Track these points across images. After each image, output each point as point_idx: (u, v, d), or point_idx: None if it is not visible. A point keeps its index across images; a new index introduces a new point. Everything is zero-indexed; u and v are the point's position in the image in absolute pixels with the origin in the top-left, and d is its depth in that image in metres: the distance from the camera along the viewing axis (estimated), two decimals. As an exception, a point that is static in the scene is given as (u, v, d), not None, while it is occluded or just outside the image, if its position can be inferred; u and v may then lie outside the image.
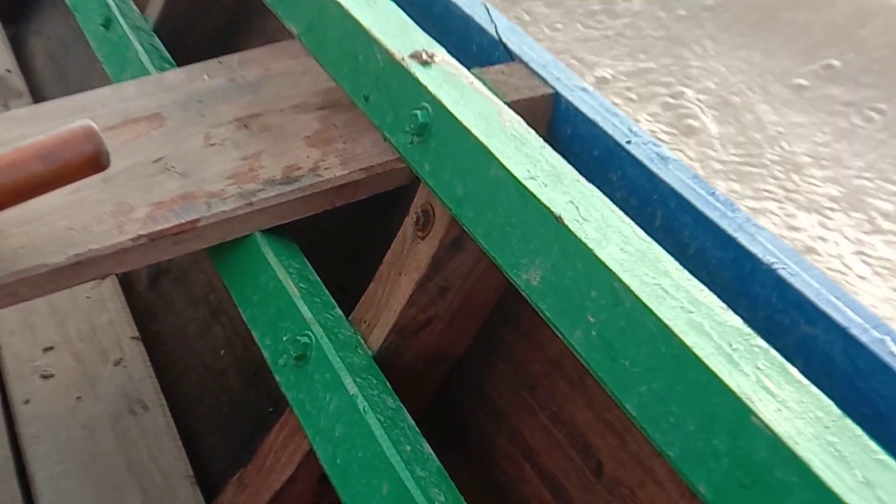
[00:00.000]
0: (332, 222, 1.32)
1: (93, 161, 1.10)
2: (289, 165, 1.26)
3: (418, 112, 1.01)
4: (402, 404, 1.03)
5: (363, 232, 1.39)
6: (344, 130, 1.33)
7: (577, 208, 0.86)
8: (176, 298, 1.62)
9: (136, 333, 1.55)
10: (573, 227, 0.84)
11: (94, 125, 1.10)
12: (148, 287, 1.67)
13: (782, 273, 0.82)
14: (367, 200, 1.29)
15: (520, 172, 0.90)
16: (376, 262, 1.20)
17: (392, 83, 1.06)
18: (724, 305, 0.76)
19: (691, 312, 0.76)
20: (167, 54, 1.58)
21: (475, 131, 0.95)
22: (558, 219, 0.85)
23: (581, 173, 0.98)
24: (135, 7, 1.69)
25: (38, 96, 2.10)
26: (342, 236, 1.41)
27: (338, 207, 1.27)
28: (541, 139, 0.95)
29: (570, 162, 1.00)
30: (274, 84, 1.42)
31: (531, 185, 0.88)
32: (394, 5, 1.16)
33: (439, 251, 1.08)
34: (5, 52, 2.21)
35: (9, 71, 2.12)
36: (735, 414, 0.68)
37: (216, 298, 1.55)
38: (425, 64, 1.05)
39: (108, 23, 1.63)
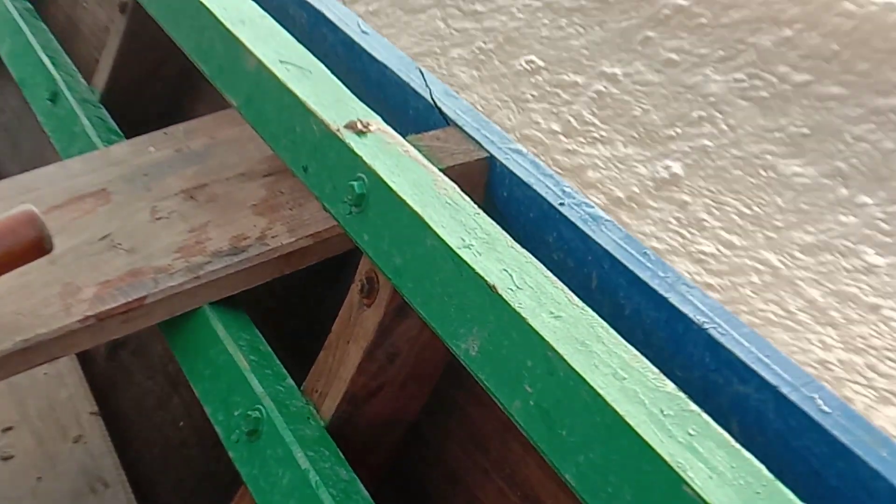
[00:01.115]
0: (282, 287, 1.32)
1: (36, 246, 1.10)
2: (236, 235, 1.27)
3: (355, 183, 1.02)
4: (355, 475, 1.03)
5: (314, 296, 1.39)
6: (290, 197, 1.34)
7: (511, 276, 0.87)
8: (134, 370, 1.61)
9: (95, 408, 1.54)
10: (507, 296, 0.84)
11: (34, 210, 1.10)
12: (106, 359, 1.66)
13: (713, 332, 0.83)
14: (318, 264, 1.30)
15: (454, 241, 0.91)
16: (328, 326, 1.20)
17: (329, 154, 1.07)
18: (655, 371, 0.77)
19: (624, 379, 0.76)
20: (114, 125, 1.59)
21: (410, 201, 0.96)
22: (492, 288, 0.86)
23: (519, 235, 0.99)
24: (82, 79, 1.70)
25: None
26: (293, 302, 1.41)
27: (288, 273, 1.28)
28: (475, 206, 0.96)
29: (507, 224, 1.01)
30: (220, 153, 1.43)
31: (465, 255, 0.89)
32: (330, 75, 1.17)
33: (385, 318, 1.08)
34: None
35: (-40, 146, 2.12)
36: (668, 483, 0.69)
37: (174, 368, 1.54)
38: (361, 133, 1.06)
39: (54, 97, 1.63)
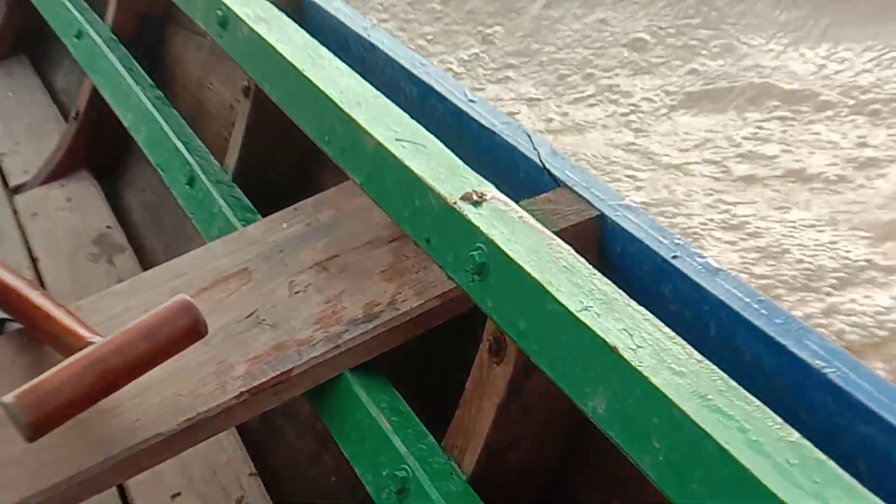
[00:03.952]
0: (416, 347, 1.39)
1: (192, 333, 1.20)
2: (368, 303, 1.35)
3: (475, 253, 1.08)
4: None
5: (447, 353, 1.46)
6: (415, 260, 1.41)
7: (630, 336, 0.92)
8: (286, 430, 1.71)
9: (253, 469, 1.64)
10: (628, 355, 0.89)
11: (189, 298, 1.20)
12: (259, 421, 1.77)
13: (832, 376, 0.86)
14: (447, 322, 1.36)
15: (573, 305, 0.96)
16: (463, 381, 1.27)
17: (448, 226, 1.14)
18: (778, 420, 0.80)
19: (748, 431, 0.80)
20: (248, 203, 1.70)
21: (528, 267, 1.02)
22: (613, 349, 0.90)
23: (635, 288, 1.03)
24: (214, 160, 1.83)
25: (138, 248, 2.25)
26: (427, 360, 1.48)
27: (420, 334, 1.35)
28: (590, 266, 1.01)
29: (623, 278, 1.06)
30: (346, 223, 1.51)
31: (585, 317, 0.94)
32: (443, 147, 1.24)
33: (515, 374, 1.14)
34: (104, 209, 2.38)
35: (109, 227, 2.29)
36: (798, 532, 0.72)
37: (322, 427, 1.63)
38: (477, 204, 1.13)
39: (191, 181, 1.76)
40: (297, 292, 1.39)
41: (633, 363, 0.88)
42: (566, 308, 0.96)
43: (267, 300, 1.38)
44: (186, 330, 1.18)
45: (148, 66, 2.18)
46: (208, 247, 1.53)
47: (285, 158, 1.82)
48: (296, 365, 1.27)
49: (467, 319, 1.36)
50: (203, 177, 1.74)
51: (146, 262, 2.22)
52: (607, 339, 0.91)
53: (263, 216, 1.61)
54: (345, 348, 1.29)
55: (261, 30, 1.58)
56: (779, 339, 0.91)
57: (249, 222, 1.60)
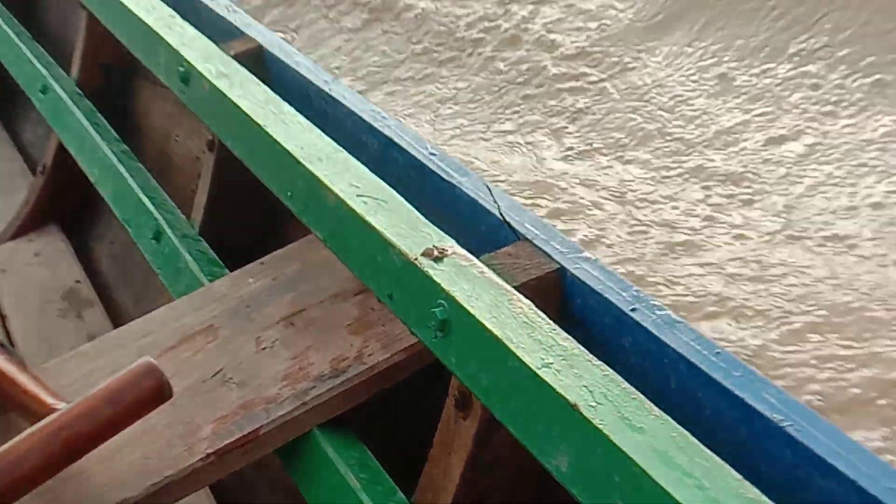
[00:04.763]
0: (384, 400, 1.39)
1: (157, 396, 1.19)
2: (335, 357, 1.35)
3: (437, 310, 1.09)
4: None
5: (415, 406, 1.46)
6: (382, 313, 1.41)
7: (591, 392, 0.92)
8: (258, 485, 1.70)
9: (225, 526, 1.63)
10: (588, 413, 0.89)
11: (152, 361, 1.19)
12: (231, 476, 1.76)
13: (790, 430, 0.86)
14: (415, 373, 1.36)
15: (534, 362, 0.97)
16: (431, 434, 1.26)
17: (410, 282, 1.14)
18: (737, 476, 0.81)
19: (707, 489, 0.80)
20: (215, 256, 1.70)
21: (489, 325, 1.02)
22: (574, 407, 0.91)
23: (596, 341, 1.04)
24: (181, 214, 1.82)
25: (108, 302, 2.24)
26: (396, 414, 1.48)
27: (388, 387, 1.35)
28: (550, 322, 1.02)
29: (584, 331, 1.06)
30: (313, 276, 1.51)
31: (545, 375, 0.95)
32: (403, 202, 1.24)
33: (481, 429, 1.14)
34: (73, 263, 2.37)
35: (78, 282, 2.27)
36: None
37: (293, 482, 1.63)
38: (437, 259, 1.13)
39: (158, 236, 1.76)
40: (264, 348, 1.39)
41: (594, 421, 0.89)
42: (527, 365, 0.97)
43: (234, 357, 1.38)
44: (151, 393, 1.18)
45: (114, 119, 2.18)
46: (174, 304, 1.53)
47: (251, 212, 1.82)
48: (263, 424, 1.26)
49: (435, 371, 1.36)
50: (169, 231, 1.74)
51: (116, 315, 2.21)
52: (568, 398, 0.92)
53: (231, 270, 1.61)
54: (312, 405, 1.29)
55: (222, 85, 1.58)
56: (737, 392, 0.92)
57: (216, 277, 1.60)
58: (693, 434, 0.87)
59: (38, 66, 2.35)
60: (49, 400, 1.22)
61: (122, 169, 1.94)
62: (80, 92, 2.27)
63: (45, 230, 2.49)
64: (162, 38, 1.76)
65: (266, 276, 1.54)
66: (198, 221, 1.84)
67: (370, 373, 1.32)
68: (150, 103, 2.35)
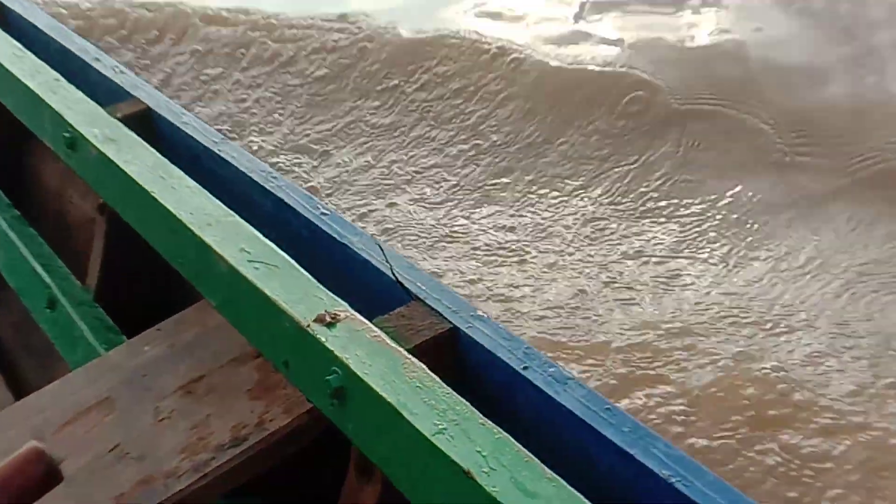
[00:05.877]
0: (290, 464, 1.37)
1: (47, 480, 1.15)
2: (235, 425, 1.32)
3: (331, 377, 1.07)
4: None
5: (321, 468, 1.44)
6: (283, 376, 1.39)
7: (485, 458, 0.92)
8: None
9: None
10: (482, 480, 0.89)
11: (39, 446, 1.16)
12: None
13: (678, 485, 0.87)
14: (320, 434, 1.34)
15: (428, 428, 0.96)
16: (339, 495, 1.25)
17: (304, 349, 1.13)
18: None
19: None
20: (111, 322, 1.66)
21: (382, 392, 1.01)
22: (467, 473, 0.90)
23: (490, 399, 1.04)
24: (75, 280, 1.78)
25: (9, 369, 2.17)
26: (301, 477, 1.46)
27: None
28: (444, 385, 1.02)
29: (478, 390, 1.06)
30: (210, 341, 1.48)
31: (439, 441, 0.94)
32: (296, 266, 1.23)
33: (384, 494, 1.13)
34: None
35: (-24, 352, 2.20)
36: None
37: None
38: (330, 325, 1.12)
39: (52, 304, 1.71)
40: (162, 419, 1.36)
41: (487, 488, 0.88)
42: (421, 432, 0.96)
43: (131, 431, 1.34)
44: (40, 478, 1.14)
45: (7, 181, 2.12)
46: (69, 377, 1.49)
47: (147, 276, 1.78)
48: (163, 499, 1.23)
49: (338, 433, 1.35)
50: (63, 299, 1.69)
51: (18, 382, 2.14)
52: (462, 464, 0.91)
53: (128, 335, 1.57)
54: (212, 476, 1.26)
55: (109, 151, 1.55)
56: (627, 448, 0.93)
57: (113, 344, 1.56)
58: (588, 493, 0.87)
59: None
60: None
61: (13, 236, 1.89)
62: None
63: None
64: (46, 103, 1.72)
65: (163, 342, 1.51)
66: (93, 287, 1.79)
67: (272, 439, 1.29)
68: (42, 164, 2.29)
